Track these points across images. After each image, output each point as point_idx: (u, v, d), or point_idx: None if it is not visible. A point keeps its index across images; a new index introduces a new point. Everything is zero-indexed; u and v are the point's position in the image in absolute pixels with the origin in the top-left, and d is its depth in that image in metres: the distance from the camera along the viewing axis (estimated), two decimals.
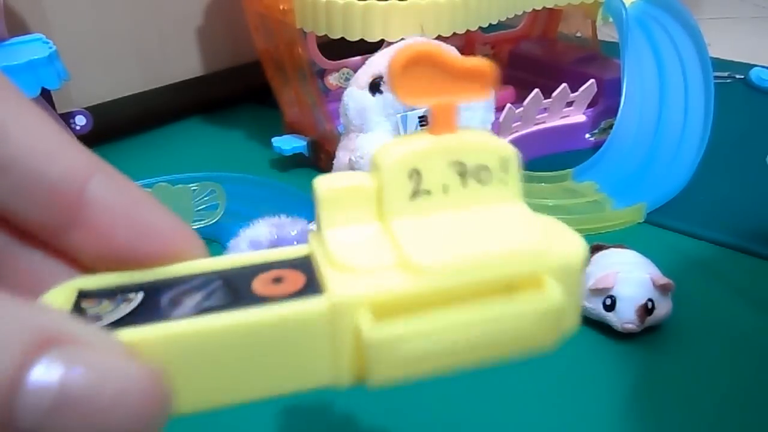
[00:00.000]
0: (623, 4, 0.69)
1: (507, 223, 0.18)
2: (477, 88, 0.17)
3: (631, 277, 0.45)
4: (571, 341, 0.49)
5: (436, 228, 0.17)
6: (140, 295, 0.16)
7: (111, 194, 0.17)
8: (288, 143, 0.71)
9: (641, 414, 0.40)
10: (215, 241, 0.58)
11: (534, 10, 0.66)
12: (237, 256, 0.18)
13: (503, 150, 0.18)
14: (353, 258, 0.16)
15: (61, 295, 0.16)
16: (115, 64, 0.76)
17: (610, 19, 0.71)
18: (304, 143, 0.71)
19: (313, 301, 0.15)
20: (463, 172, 0.17)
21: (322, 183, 0.17)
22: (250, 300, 0.16)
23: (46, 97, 0.59)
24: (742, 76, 0.94)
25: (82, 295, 0.16)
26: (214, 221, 0.56)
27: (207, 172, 0.62)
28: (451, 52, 0.17)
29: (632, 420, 0.40)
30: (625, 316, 0.45)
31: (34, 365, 0.12)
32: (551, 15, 0.89)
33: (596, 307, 0.46)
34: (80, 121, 0.61)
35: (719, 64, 0.89)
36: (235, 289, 0.16)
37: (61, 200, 0.16)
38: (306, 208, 0.59)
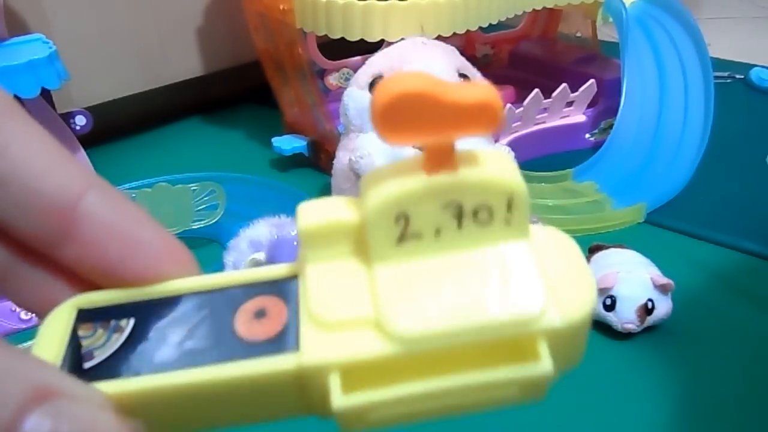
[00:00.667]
0: (623, 4, 0.69)
1: (502, 273, 0.15)
2: (481, 123, 0.14)
3: (631, 277, 0.45)
4: None
5: (421, 280, 0.15)
6: (131, 323, 0.17)
7: (105, 209, 0.17)
8: (288, 143, 0.71)
9: (641, 413, 0.40)
10: (215, 241, 0.58)
11: (534, 10, 0.66)
12: (227, 275, 0.18)
13: (510, 186, 0.15)
14: (330, 309, 0.16)
15: (63, 314, 0.17)
16: (115, 64, 0.76)
17: (610, 19, 0.71)
18: (304, 143, 0.71)
19: (283, 360, 0.15)
20: (459, 214, 0.15)
21: (304, 215, 0.16)
22: (229, 344, 0.16)
23: (46, 97, 0.59)
24: (742, 76, 0.94)
25: (81, 316, 0.17)
26: (214, 221, 0.56)
27: (207, 172, 0.63)
28: (446, 82, 0.14)
29: (632, 419, 0.40)
30: (625, 316, 0.45)
31: (29, 416, 0.13)
32: (551, 15, 0.89)
33: (596, 307, 0.46)
34: (80, 121, 0.61)
35: (719, 64, 0.89)
36: (218, 325, 0.17)
37: (56, 214, 0.17)
38: None
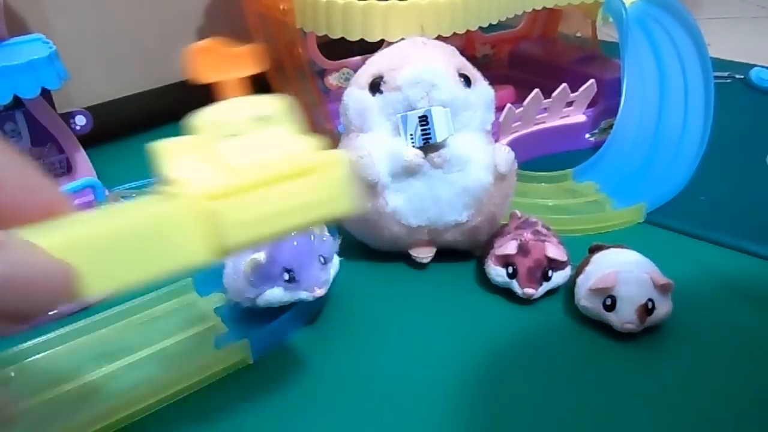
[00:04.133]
0: (623, 4, 0.69)
1: (289, 141, 0.28)
2: (247, 66, 0.29)
3: (631, 277, 0.45)
4: (571, 341, 0.49)
5: (244, 147, 0.27)
6: None
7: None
8: None
9: (641, 413, 0.40)
10: None
11: (534, 10, 0.66)
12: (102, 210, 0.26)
13: (278, 103, 0.29)
14: (192, 174, 0.26)
15: None
16: (115, 64, 0.76)
17: (610, 19, 0.71)
18: None
19: (174, 201, 0.24)
20: (255, 119, 0.28)
21: (158, 143, 0.28)
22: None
23: (46, 97, 0.59)
24: (742, 76, 0.94)
25: None
26: None
27: None
28: (229, 45, 0.28)
29: (632, 419, 0.40)
30: (625, 316, 0.45)
31: None
32: (551, 15, 0.89)
33: (596, 307, 0.46)
34: (80, 121, 0.61)
35: (719, 64, 0.89)
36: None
37: None
38: None
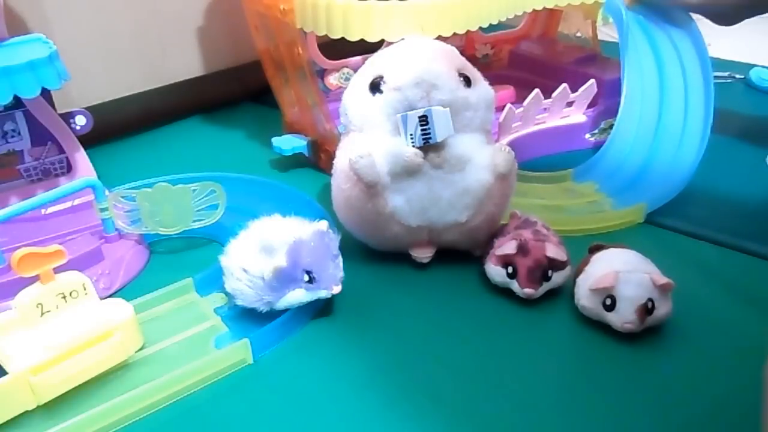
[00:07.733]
0: (623, 4, 0.69)
1: (93, 311, 0.43)
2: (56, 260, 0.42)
3: (631, 277, 0.45)
4: (572, 341, 0.49)
5: (59, 323, 0.42)
6: None
7: None
8: (288, 143, 0.71)
9: (641, 413, 0.40)
10: (215, 241, 0.58)
11: (534, 10, 0.66)
12: None
13: (80, 279, 0.43)
14: (18, 350, 0.40)
15: None
16: (115, 64, 0.76)
17: (610, 20, 0.71)
18: (304, 143, 0.71)
19: (11, 376, 0.39)
20: (64, 296, 0.42)
21: None
22: None
23: (46, 97, 0.59)
24: (742, 76, 0.94)
25: None
26: (214, 221, 0.56)
27: (207, 172, 0.63)
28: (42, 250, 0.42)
29: (632, 419, 0.40)
30: (625, 316, 0.45)
31: None
32: (551, 15, 0.90)
33: (596, 307, 0.46)
34: (80, 121, 0.61)
35: (719, 64, 0.89)
36: None
37: None
38: (306, 208, 0.59)
